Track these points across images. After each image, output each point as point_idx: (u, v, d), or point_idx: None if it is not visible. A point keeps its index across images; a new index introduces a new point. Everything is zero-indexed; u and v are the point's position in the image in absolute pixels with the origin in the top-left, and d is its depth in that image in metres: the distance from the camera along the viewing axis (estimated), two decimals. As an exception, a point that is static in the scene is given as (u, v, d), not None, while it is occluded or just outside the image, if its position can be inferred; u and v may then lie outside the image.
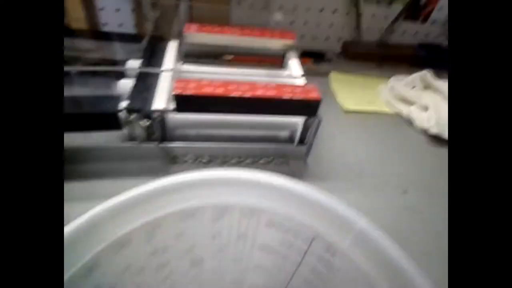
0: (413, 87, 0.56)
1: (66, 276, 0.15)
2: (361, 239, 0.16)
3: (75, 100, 0.34)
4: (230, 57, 0.51)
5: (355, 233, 0.16)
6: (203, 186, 0.17)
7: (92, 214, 0.15)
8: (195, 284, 0.22)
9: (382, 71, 0.62)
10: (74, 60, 0.43)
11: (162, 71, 0.38)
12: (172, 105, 0.34)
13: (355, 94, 0.56)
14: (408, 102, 0.53)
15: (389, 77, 0.59)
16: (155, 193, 0.16)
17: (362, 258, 0.16)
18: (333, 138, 0.47)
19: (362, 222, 0.16)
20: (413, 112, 0.51)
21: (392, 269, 0.15)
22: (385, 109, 0.54)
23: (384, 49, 0.66)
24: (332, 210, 0.16)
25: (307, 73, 0.42)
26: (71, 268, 0.15)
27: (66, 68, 0.38)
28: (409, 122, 0.52)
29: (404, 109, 0.53)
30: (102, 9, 0.54)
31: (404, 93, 0.53)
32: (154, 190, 0.16)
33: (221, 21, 0.56)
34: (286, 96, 0.35)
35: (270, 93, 0.35)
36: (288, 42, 0.46)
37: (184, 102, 0.33)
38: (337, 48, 0.66)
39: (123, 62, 0.42)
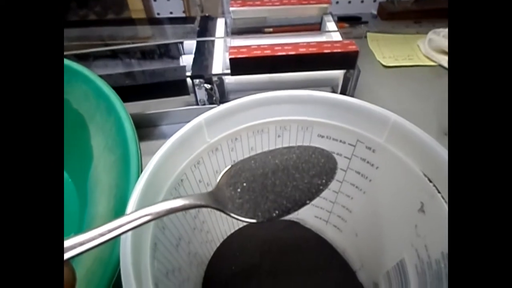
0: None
1: (165, 188, 0.20)
2: (395, 131, 0.20)
3: (149, 72, 0.41)
4: (270, 29, 0.55)
5: (389, 127, 0.20)
6: (268, 105, 0.22)
7: (191, 124, 0.21)
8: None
9: (421, 28, 0.63)
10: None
11: (216, 38, 0.44)
12: (227, 69, 0.40)
13: (393, 51, 0.58)
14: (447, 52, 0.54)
15: (427, 33, 0.59)
16: (234, 110, 0.22)
17: (397, 147, 0.20)
18: (374, 92, 0.50)
19: (394, 117, 0.20)
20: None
21: (421, 150, 0.19)
22: (425, 62, 0.55)
23: (421, 5, 0.66)
24: (369, 112, 0.21)
25: (344, 37, 0.46)
26: (168, 180, 0.21)
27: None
28: (450, 71, 0.53)
29: (444, 59, 0.54)
30: (155, 0, 0.61)
31: (443, 44, 0.54)
32: (232, 107, 0.22)
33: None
34: (326, 50, 0.39)
35: (312, 50, 0.39)
36: (323, 5, 0.50)
37: (238, 65, 0.39)
38: (373, 10, 0.68)
39: (180, 43, 0.49)
